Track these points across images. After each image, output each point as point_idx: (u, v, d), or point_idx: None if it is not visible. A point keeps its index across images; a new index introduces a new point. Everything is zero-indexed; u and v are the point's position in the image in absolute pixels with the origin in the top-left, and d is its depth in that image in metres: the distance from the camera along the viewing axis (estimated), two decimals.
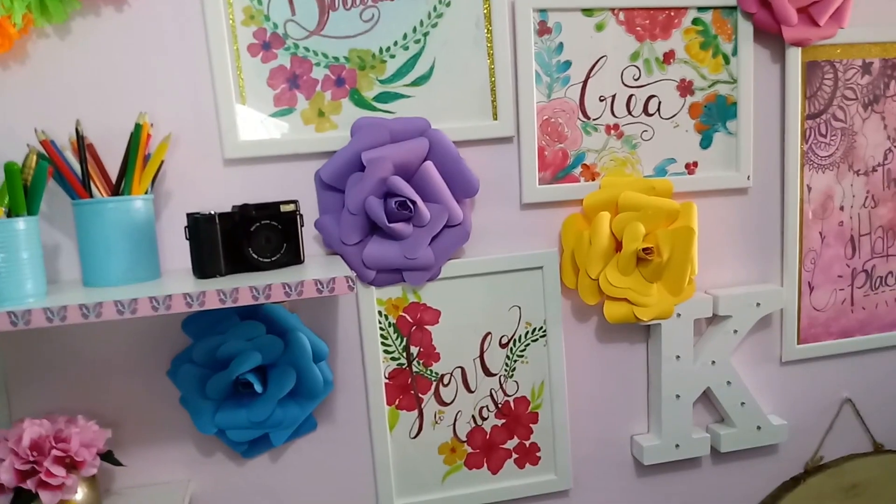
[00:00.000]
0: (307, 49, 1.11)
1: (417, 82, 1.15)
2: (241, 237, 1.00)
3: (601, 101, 1.21)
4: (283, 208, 1.03)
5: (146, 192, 1.02)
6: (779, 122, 1.29)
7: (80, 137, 1.01)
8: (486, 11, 1.15)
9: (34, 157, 0.92)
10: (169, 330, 1.12)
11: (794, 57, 1.25)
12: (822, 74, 1.28)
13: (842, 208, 1.32)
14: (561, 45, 1.18)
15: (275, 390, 1.10)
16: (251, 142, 1.10)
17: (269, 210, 1.03)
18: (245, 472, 1.18)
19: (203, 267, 0.99)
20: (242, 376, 1.09)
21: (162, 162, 1.03)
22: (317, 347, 1.13)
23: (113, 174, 1.04)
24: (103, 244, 0.98)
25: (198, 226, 0.98)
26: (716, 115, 1.25)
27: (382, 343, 1.18)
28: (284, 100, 1.11)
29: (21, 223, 0.88)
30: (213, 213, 0.98)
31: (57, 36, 1.05)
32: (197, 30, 1.08)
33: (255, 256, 1.01)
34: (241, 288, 0.88)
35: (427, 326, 1.19)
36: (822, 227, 1.31)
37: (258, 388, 1.09)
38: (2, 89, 1.04)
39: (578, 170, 1.22)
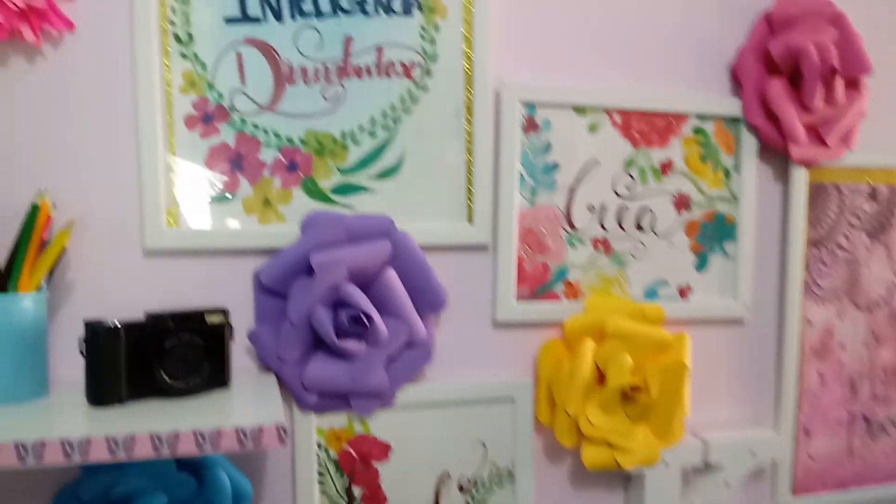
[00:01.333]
0: (256, 126, 0.93)
1: (383, 175, 0.98)
2: (152, 355, 0.80)
3: (590, 210, 1.06)
4: (209, 319, 0.84)
5: (38, 288, 0.81)
6: (779, 247, 1.17)
7: None
8: (467, 101, 1.00)
9: None
10: None
11: (800, 177, 1.13)
12: (828, 198, 1.16)
13: (842, 346, 1.19)
14: (549, 144, 1.04)
15: None
16: (179, 231, 0.91)
17: (191, 321, 0.83)
18: None
19: (98, 391, 0.78)
20: None
21: (62, 251, 0.83)
22: (238, 487, 0.92)
23: None
24: None
25: (96, 338, 0.78)
26: (713, 236, 1.12)
27: (320, 483, 0.98)
28: (224, 184, 0.93)
29: None
30: (116, 323, 0.78)
31: None
32: (124, 93, 0.90)
33: (168, 381, 0.80)
34: (140, 436, 0.67)
35: (374, 463, 1.00)
36: (820, 365, 1.18)
37: None
38: None
39: (560, 286, 1.06)
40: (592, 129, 1.05)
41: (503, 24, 1.01)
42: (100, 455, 0.66)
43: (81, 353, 0.78)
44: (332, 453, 0.98)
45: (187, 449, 0.68)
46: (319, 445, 0.98)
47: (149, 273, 0.92)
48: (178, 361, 0.81)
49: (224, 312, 0.85)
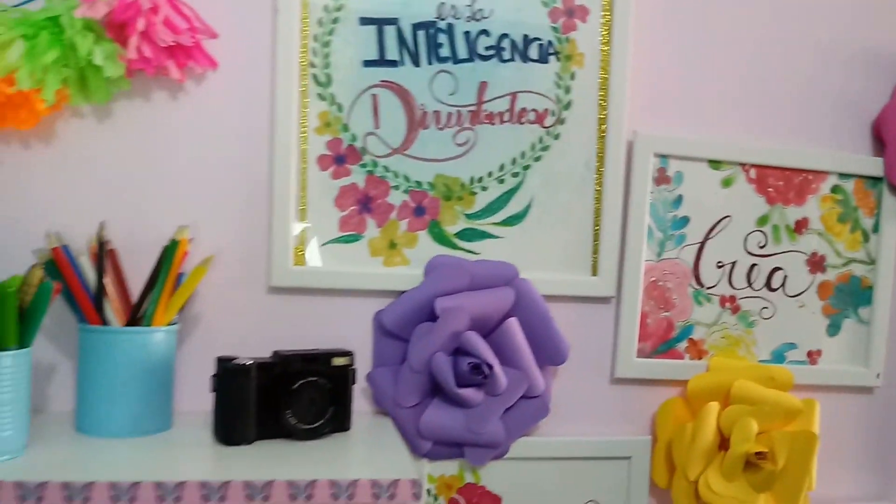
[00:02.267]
0: (387, 169, 0.93)
1: (509, 221, 0.96)
2: (281, 396, 0.79)
3: (719, 267, 1.02)
4: (336, 362, 0.83)
5: (170, 323, 0.82)
6: None
7: (101, 246, 0.82)
8: (599, 150, 0.97)
9: (38, 275, 0.72)
10: None
11: None
12: None
13: None
14: (680, 197, 1.00)
15: None
16: (305, 270, 0.91)
17: (317, 363, 0.82)
18: None
19: (228, 430, 0.78)
20: None
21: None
22: None
23: (133, 293, 0.84)
24: (109, 384, 0.78)
25: (229, 378, 0.77)
26: (848, 299, 1.06)
27: None
28: (352, 224, 0.93)
29: (8, 359, 0.68)
30: (248, 362, 0.78)
31: (94, 117, 0.88)
32: (261, 131, 0.91)
33: (294, 423, 0.80)
34: (278, 482, 0.67)
35: None
36: None
37: None
38: (17, 170, 0.86)
39: (684, 344, 1.02)
40: (726, 183, 1.01)
41: (639, 76, 0.98)
42: (237, 499, 0.65)
43: (212, 390, 0.78)
44: (442, 501, 0.96)
45: (322, 497, 0.67)
46: (429, 492, 0.95)
47: (272, 310, 0.92)
48: (305, 403, 0.81)
49: (350, 355, 0.84)
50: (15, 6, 0.83)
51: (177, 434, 0.81)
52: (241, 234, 0.91)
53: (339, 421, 0.83)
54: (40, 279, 0.72)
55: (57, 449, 0.73)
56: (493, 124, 0.95)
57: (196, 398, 0.89)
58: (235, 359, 0.78)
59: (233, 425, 0.78)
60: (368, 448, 0.80)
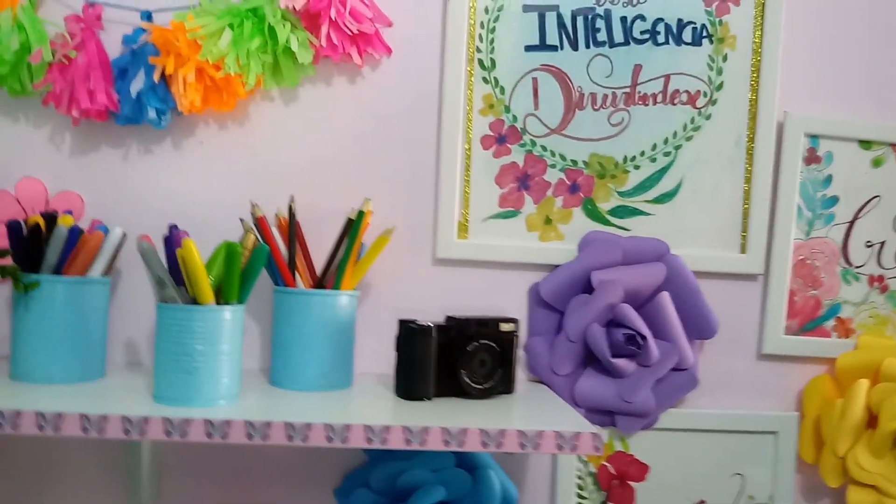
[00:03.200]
0: (544, 148, 0.98)
1: (660, 199, 1.00)
2: (456, 356, 0.86)
3: (868, 246, 1.03)
4: (503, 327, 0.89)
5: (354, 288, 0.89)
6: None
7: (292, 217, 0.90)
8: (749, 131, 1.00)
9: (252, 239, 0.80)
10: None
11: None
12: None
13: None
14: (829, 177, 1.02)
15: None
16: (467, 243, 0.97)
17: (488, 328, 0.88)
18: None
19: (409, 386, 0.84)
20: None
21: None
22: (506, 491, 0.96)
23: (314, 261, 0.92)
24: (302, 342, 0.86)
25: (412, 338, 0.84)
26: None
27: (578, 495, 1.00)
28: (511, 201, 0.98)
29: (228, 312, 0.76)
30: (430, 324, 0.84)
31: (282, 101, 0.96)
32: (429, 113, 0.97)
33: (469, 381, 0.86)
34: (472, 430, 0.73)
35: (631, 483, 1.01)
36: None
37: None
38: (215, 149, 0.95)
39: (831, 323, 1.03)
40: (877, 163, 1.02)
41: (790, 57, 1.00)
42: (435, 443, 0.72)
43: (397, 349, 0.85)
44: (592, 467, 1.00)
45: (511, 447, 0.72)
46: (579, 459, 1.00)
47: (437, 280, 0.98)
48: (477, 364, 0.86)
49: (515, 322, 0.90)
50: None
51: (358, 390, 0.88)
52: (410, 208, 0.97)
53: (505, 383, 0.89)
54: (254, 243, 0.80)
55: (263, 400, 0.80)
56: (646, 105, 0.99)
57: (368, 363, 0.96)
58: (416, 321, 0.85)
59: (415, 381, 0.84)
60: (538, 407, 0.85)
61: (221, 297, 0.77)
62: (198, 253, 0.73)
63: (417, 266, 0.98)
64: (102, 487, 0.95)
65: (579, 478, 1.00)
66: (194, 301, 0.76)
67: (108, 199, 0.94)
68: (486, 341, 0.87)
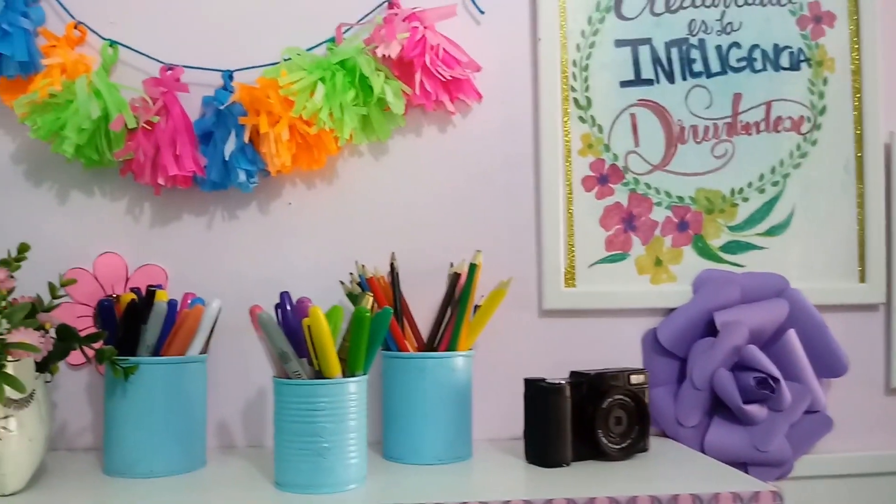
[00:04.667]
0: (648, 186, 0.93)
1: (772, 232, 0.95)
2: (591, 415, 0.79)
3: None
4: (634, 379, 0.82)
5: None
6: None
7: (395, 275, 0.84)
8: (857, 154, 0.95)
9: (371, 301, 0.74)
10: None
11: None
12: None
13: None
14: None
15: None
16: (575, 291, 0.91)
17: (618, 381, 0.81)
18: None
19: (546, 452, 0.77)
20: None
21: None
22: None
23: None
24: (419, 411, 0.79)
25: (544, 398, 0.77)
26: None
27: None
28: (617, 243, 0.93)
29: (354, 385, 0.70)
30: (562, 381, 0.78)
31: (371, 155, 0.91)
32: (525, 157, 0.93)
33: (607, 441, 0.79)
34: (641, 498, 0.65)
35: None
36: None
37: None
38: (304, 210, 0.90)
39: None
40: None
41: (891, 75, 0.96)
42: None
43: (527, 411, 0.78)
44: None
45: None
46: None
47: (544, 332, 0.92)
48: (612, 422, 0.80)
49: (644, 373, 0.83)
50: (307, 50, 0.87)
51: (481, 459, 0.81)
52: (511, 258, 0.92)
53: (640, 440, 0.82)
54: (374, 305, 0.73)
55: (389, 482, 0.73)
56: (749, 135, 0.94)
57: (482, 425, 0.89)
58: (545, 379, 0.78)
59: (551, 446, 0.77)
60: (686, 464, 0.78)
61: (347, 369, 0.70)
62: (326, 322, 0.67)
63: (523, 319, 0.92)
64: None
65: None
66: (319, 374, 0.69)
67: (192, 270, 0.88)
68: (620, 396, 0.80)
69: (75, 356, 0.82)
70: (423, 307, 0.85)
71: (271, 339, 0.68)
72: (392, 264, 0.85)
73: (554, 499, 0.64)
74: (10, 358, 0.64)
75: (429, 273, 0.89)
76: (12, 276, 0.69)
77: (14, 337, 0.64)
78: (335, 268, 0.87)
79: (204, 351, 0.79)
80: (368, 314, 0.68)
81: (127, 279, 0.88)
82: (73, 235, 0.88)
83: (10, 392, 0.63)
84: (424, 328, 0.84)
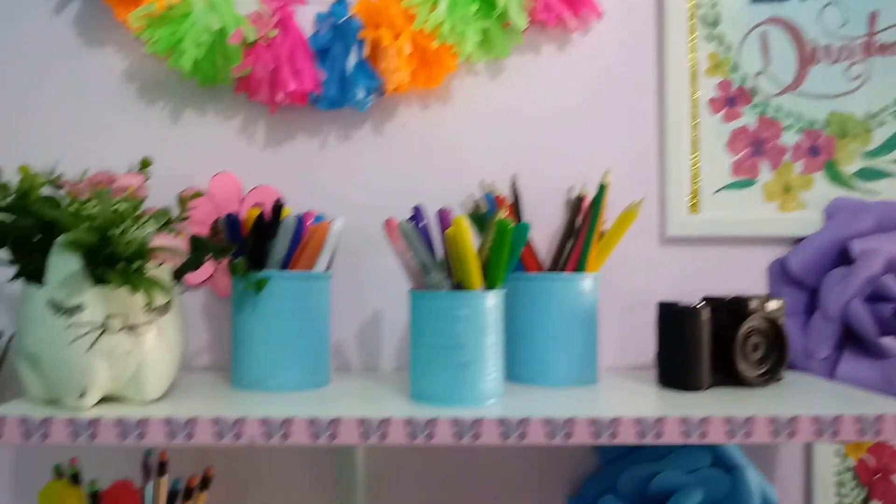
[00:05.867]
0: (778, 109, 0.88)
1: None
2: (728, 341, 0.76)
3: None
4: (770, 306, 0.79)
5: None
6: None
7: (517, 197, 0.81)
8: None
9: (504, 214, 0.71)
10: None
11: None
12: None
13: None
14: None
15: None
16: (699, 218, 0.88)
17: (755, 308, 0.78)
18: None
19: (679, 375, 0.74)
20: None
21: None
22: (765, 493, 0.85)
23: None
24: (547, 333, 0.77)
25: (680, 321, 0.74)
26: None
27: (836, 493, 0.89)
28: (744, 168, 0.88)
29: (493, 298, 0.67)
30: (698, 304, 0.74)
31: (488, 74, 0.88)
32: (648, 77, 0.89)
33: (745, 369, 0.76)
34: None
35: (894, 477, 0.89)
36: None
37: None
38: (418, 131, 0.87)
39: None
40: None
41: None
42: (761, 434, 0.62)
43: (660, 335, 0.75)
44: (850, 461, 0.89)
45: (847, 435, 0.62)
46: (837, 452, 0.89)
47: (664, 260, 0.89)
48: (749, 349, 0.76)
49: (782, 300, 0.80)
50: None
51: (608, 384, 0.79)
52: (633, 183, 0.88)
53: (777, 370, 0.78)
54: (507, 219, 0.71)
55: (517, 395, 0.71)
56: (885, 55, 0.89)
57: (604, 352, 0.86)
58: (678, 303, 0.75)
59: (686, 370, 0.74)
60: (819, 392, 0.75)
61: (487, 282, 0.68)
62: (469, 232, 0.64)
63: (644, 246, 0.89)
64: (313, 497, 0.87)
65: (837, 474, 0.89)
66: (457, 288, 0.67)
67: (305, 191, 0.86)
68: (758, 323, 0.77)
69: (197, 272, 0.82)
70: (538, 233, 0.82)
71: (413, 250, 0.66)
72: (514, 186, 0.82)
73: (710, 416, 0.62)
74: (154, 262, 0.63)
75: (543, 199, 0.86)
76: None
77: (157, 242, 0.63)
78: (449, 190, 0.85)
79: (327, 269, 0.78)
80: (511, 225, 0.66)
81: (241, 199, 0.86)
82: (186, 155, 0.86)
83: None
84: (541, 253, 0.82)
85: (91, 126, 0.86)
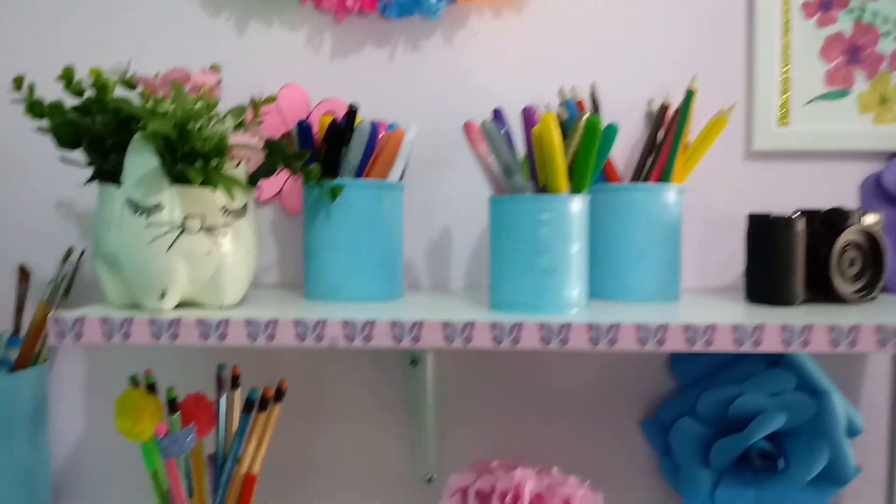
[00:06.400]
0: (875, 14, 0.82)
1: None
2: (826, 253, 0.71)
3: None
4: (866, 221, 0.74)
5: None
6: None
7: (596, 106, 0.77)
8: None
9: (586, 119, 0.67)
10: (646, 366, 0.85)
11: None
12: None
13: None
14: None
15: (799, 469, 0.80)
16: (789, 131, 0.83)
17: (851, 222, 0.73)
18: None
19: (773, 289, 0.71)
20: (758, 444, 0.80)
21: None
22: (851, 419, 0.82)
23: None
24: (630, 246, 0.74)
25: (773, 232, 0.70)
26: None
27: None
28: (839, 78, 0.83)
29: (579, 203, 0.64)
30: (793, 215, 0.70)
31: None
32: None
33: (839, 285, 0.72)
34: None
35: None
36: None
37: (781, 462, 0.80)
38: (491, 40, 0.84)
39: None
40: None
41: None
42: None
43: (749, 247, 0.72)
44: None
45: None
46: None
47: (750, 175, 0.84)
48: (846, 264, 0.72)
49: (879, 214, 0.75)
50: None
51: (691, 301, 0.75)
52: (717, 94, 0.83)
53: (875, 284, 0.74)
54: (592, 122, 0.67)
55: (600, 308, 0.68)
56: None
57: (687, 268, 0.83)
58: (770, 213, 0.71)
59: (778, 283, 0.71)
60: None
61: (572, 186, 0.64)
62: (558, 129, 0.61)
63: (729, 162, 0.84)
64: (383, 416, 0.86)
65: None
66: (541, 192, 0.64)
67: (374, 102, 0.83)
68: (855, 236, 0.72)
69: (266, 187, 0.80)
70: (616, 147, 0.79)
71: (495, 151, 0.63)
72: (593, 94, 0.78)
73: (812, 323, 0.58)
74: (231, 162, 0.62)
75: (622, 111, 0.82)
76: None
77: (235, 140, 0.61)
78: (523, 101, 0.81)
79: (400, 179, 0.75)
80: (600, 124, 0.62)
81: (309, 112, 0.84)
82: (252, 68, 0.84)
83: (231, 200, 0.61)
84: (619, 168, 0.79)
85: (155, 39, 0.84)
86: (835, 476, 0.81)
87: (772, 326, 0.59)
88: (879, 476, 0.86)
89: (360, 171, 0.72)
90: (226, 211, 0.63)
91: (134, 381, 0.75)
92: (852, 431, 0.82)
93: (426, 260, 0.86)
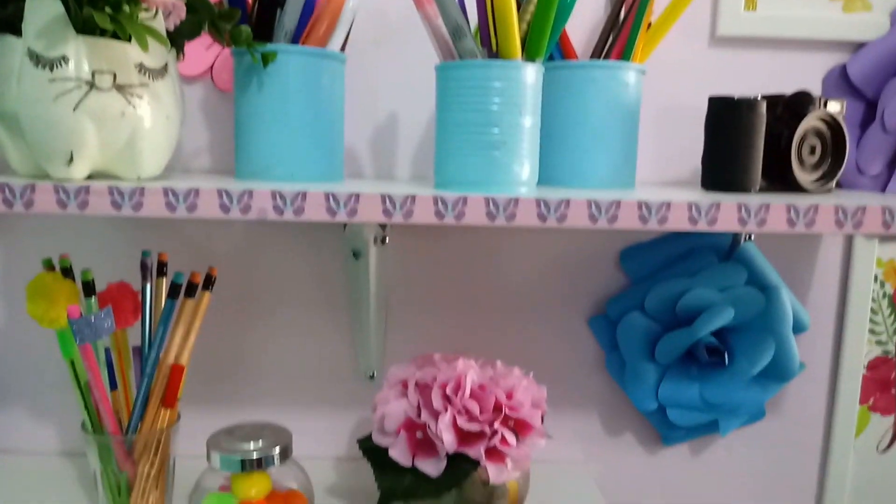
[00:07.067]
0: None
1: None
2: (785, 141, 0.68)
3: None
4: (831, 107, 0.71)
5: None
6: None
7: None
8: None
9: None
10: (595, 261, 0.82)
11: None
12: None
13: None
14: None
15: (744, 363, 0.79)
16: (755, 16, 0.79)
17: (815, 106, 0.70)
18: (656, 462, 0.88)
19: (731, 175, 0.68)
20: (705, 339, 0.79)
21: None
22: (797, 315, 0.81)
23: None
24: (585, 129, 0.69)
25: (734, 115, 0.67)
26: None
27: (871, 321, 0.85)
28: None
29: (533, 70, 0.59)
30: (756, 97, 0.67)
31: None
32: None
33: (798, 173, 0.69)
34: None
35: None
36: None
37: (727, 357, 0.79)
38: None
39: None
40: None
41: None
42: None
43: (708, 131, 0.68)
44: (889, 288, 0.85)
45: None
46: (875, 279, 0.84)
47: (712, 62, 0.81)
48: (806, 151, 0.70)
49: (842, 102, 0.72)
50: None
51: (649, 189, 0.72)
52: None
53: (833, 174, 0.72)
54: None
55: (552, 192, 0.64)
56: None
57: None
58: (733, 96, 0.68)
59: (738, 168, 0.67)
60: (877, 201, 0.68)
61: (526, 54, 0.59)
62: None
63: (692, 47, 0.80)
64: (323, 310, 0.82)
65: (874, 300, 0.85)
66: (495, 57, 0.59)
67: None
68: (818, 122, 0.69)
69: (195, 61, 0.73)
70: (574, 25, 0.74)
71: (444, 10, 0.58)
72: None
73: (770, 203, 0.56)
74: (145, 7, 0.55)
75: None
76: None
77: None
78: None
79: (342, 51, 0.69)
80: None
81: None
82: None
83: (147, 56, 0.55)
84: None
85: None
86: (779, 372, 0.81)
87: (728, 205, 0.56)
88: (822, 374, 0.86)
89: (296, 38, 0.66)
90: (142, 69, 0.56)
91: (48, 265, 0.69)
92: (798, 328, 0.81)
93: (369, 147, 0.80)
